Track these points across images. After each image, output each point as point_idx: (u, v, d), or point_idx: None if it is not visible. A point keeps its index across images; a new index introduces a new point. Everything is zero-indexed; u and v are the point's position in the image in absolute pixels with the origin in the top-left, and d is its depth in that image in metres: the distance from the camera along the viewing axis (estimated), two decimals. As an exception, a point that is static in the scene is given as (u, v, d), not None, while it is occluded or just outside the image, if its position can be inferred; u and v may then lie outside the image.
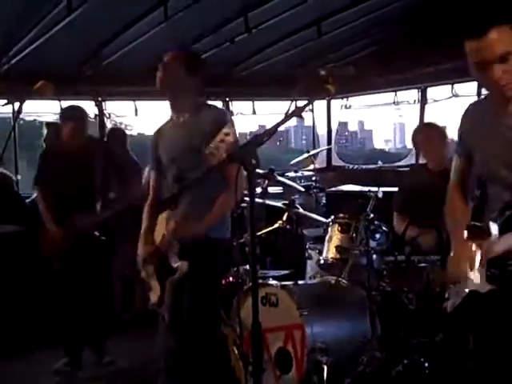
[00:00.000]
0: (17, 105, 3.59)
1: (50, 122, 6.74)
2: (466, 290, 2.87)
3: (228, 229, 3.87)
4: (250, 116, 8.56)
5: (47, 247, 5.02)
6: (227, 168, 3.20)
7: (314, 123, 9.22)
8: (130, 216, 4.70)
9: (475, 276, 2.81)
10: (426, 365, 4.25)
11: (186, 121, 3.78)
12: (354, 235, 4.57)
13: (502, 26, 2.60)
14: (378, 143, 23.89)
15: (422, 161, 7.57)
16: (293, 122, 9.14)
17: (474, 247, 2.82)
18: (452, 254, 3.01)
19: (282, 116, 2.51)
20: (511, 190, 2.82)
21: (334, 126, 9.23)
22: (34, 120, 9.28)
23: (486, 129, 2.87)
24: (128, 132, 7.47)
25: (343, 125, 25.38)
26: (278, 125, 2.47)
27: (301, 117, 2.45)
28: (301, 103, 2.56)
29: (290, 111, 2.52)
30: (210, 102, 4.13)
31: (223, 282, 4.96)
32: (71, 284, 5.05)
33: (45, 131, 6.41)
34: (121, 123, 8.11)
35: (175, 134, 3.84)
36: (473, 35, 2.62)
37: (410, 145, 8.37)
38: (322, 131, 9.27)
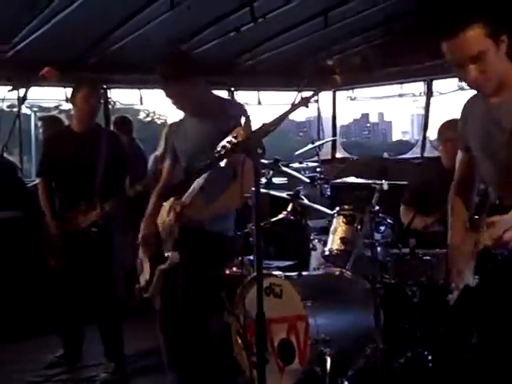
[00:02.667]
0: (22, 91, 3.57)
1: (44, 115, 6.76)
2: (461, 285, 2.86)
3: (231, 225, 3.88)
4: (255, 106, 8.53)
5: (44, 242, 5.01)
6: (235, 160, 3.19)
7: (319, 114, 9.19)
8: (129, 207, 4.69)
9: (468, 270, 2.80)
10: (429, 357, 4.27)
11: (203, 120, 3.76)
12: (359, 227, 4.54)
13: (473, 25, 2.54)
14: (397, 135, 23.90)
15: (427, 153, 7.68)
16: (314, 112, 9.06)
17: (470, 239, 2.80)
18: (450, 245, 3.02)
19: (288, 106, 2.48)
20: (493, 183, 2.84)
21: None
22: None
23: (477, 122, 2.87)
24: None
25: (365, 116, 25.45)
26: (285, 115, 2.45)
27: (306, 107, 2.42)
28: (307, 94, 2.53)
29: (296, 102, 2.48)
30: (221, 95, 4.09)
31: (227, 272, 4.98)
32: (70, 277, 5.03)
33: (39, 123, 6.42)
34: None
35: (191, 130, 3.84)
36: (446, 34, 2.59)
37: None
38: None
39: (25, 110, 7.45)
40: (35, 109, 7.85)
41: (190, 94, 3.73)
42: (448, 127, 4.72)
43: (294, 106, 2.46)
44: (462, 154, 3.08)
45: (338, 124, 9.23)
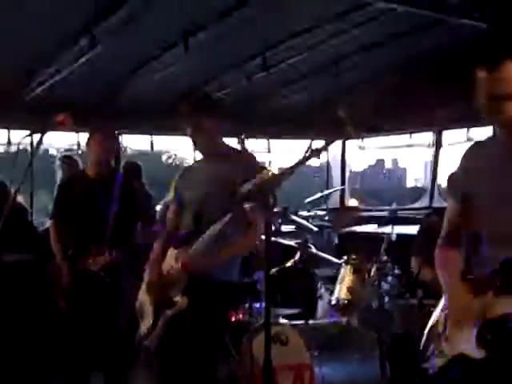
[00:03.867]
0: (37, 136, 3.61)
1: (66, 155, 6.80)
2: (454, 352, 2.62)
3: (236, 272, 3.84)
4: (265, 154, 8.59)
5: (54, 282, 5.01)
6: (247, 210, 3.23)
7: (328, 163, 9.23)
8: (139, 254, 4.70)
9: (466, 336, 2.56)
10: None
11: (214, 165, 3.80)
12: (367, 277, 4.56)
13: None
14: (411, 181, 23.84)
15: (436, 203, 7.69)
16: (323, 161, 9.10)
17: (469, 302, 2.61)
18: (453, 308, 2.74)
19: (298, 155, 2.52)
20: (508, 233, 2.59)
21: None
22: (46, 150, 9.34)
23: (488, 167, 2.70)
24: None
25: (380, 162, 25.39)
26: (297, 165, 2.49)
27: (318, 157, 2.46)
28: (318, 144, 2.57)
29: (307, 153, 2.52)
30: (236, 146, 4.15)
31: (233, 318, 4.97)
32: (78, 322, 5.01)
33: (58, 163, 6.46)
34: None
35: (201, 176, 3.87)
36: (485, 65, 2.51)
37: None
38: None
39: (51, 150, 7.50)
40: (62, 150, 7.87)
41: (210, 132, 3.80)
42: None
43: (306, 158, 2.49)
44: (457, 204, 2.87)
45: (353, 170, 9.24)
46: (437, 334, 2.77)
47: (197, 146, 3.89)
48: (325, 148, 2.56)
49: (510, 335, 2.46)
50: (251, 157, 3.94)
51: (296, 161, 2.49)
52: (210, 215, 3.54)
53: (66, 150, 7.44)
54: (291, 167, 2.48)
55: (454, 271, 2.78)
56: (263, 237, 4.91)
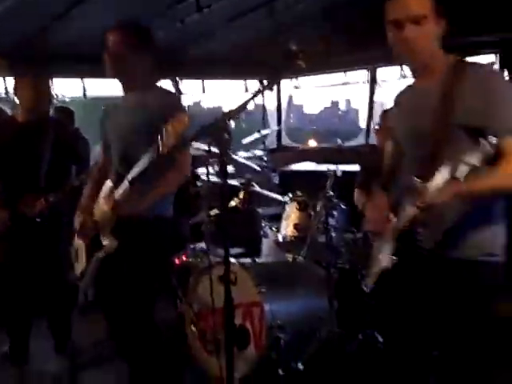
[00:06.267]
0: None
1: None
2: (377, 269, 2.81)
3: (167, 207, 3.74)
4: (200, 94, 8.50)
5: None
6: (178, 152, 3.21)
7: (264, 103, 9.20)
8: (76, 198, 4.62)
9: (385, 250, 2.74)
10: (380, 340, 4.34)
11: (135, 100, 3.68)
12: (313, 213, 4.59)
13: None
14: (362, 122, 24.07)
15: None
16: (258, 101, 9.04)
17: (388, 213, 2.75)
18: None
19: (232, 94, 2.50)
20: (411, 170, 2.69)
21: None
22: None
23: (404, 110, 2.89)
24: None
25: (335, 104, 25.37)
26: (248, 100, 2.47)
27: (271, 90, 2.45)
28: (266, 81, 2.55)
29: (259, 87, 2.51)
30: (161, 85, 4.00)
31: (177, 261, 4.97)
32: (17, 270, 4.93)
33: None
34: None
35: (123, 113, 3.75)
36: None
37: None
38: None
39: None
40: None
41: (139, 65, 3.65)
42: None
43: (258, 92, 2.48)
44: (392, 145, 3.09)
45: (308, 112, 9.28)
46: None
47: (126, 80, 3.74)
48: (276, 81, 2.55)
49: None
50: (174, 96, 3.87)
51: (246, 99, 2.48)
52: (134, 154, 3.42)
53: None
54: (241, 105, 2.45)
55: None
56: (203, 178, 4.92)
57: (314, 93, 8.80)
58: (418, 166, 2.62)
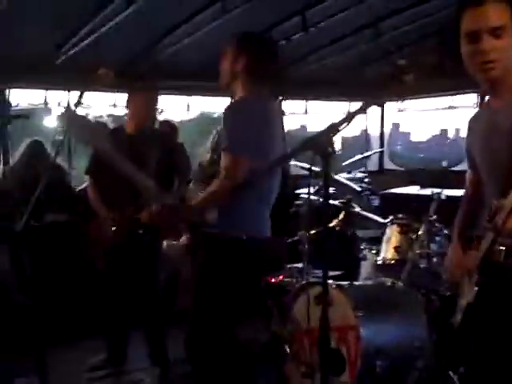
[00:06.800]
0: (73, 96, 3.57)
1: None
2: (463, 303, 2.66)
3: (241, 226, 3.61)
4: (302, 115, 8.50)
5: (94, 237, 4.98)
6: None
7: (367, 125, 9.12)
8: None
9: (469, 287, 2.61)
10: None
11: None
12: (414, 237, 4.46)
13: (499, 0, 2.47)
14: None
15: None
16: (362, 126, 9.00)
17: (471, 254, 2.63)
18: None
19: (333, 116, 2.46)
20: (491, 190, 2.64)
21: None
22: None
23: (478, 131, 2.75)
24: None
25: (443, 132, 25.08)
26: (353, 114, 2.40)
27: (365, 112, 2.39)
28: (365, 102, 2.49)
29: (362, 106, 2.46)
30: None
31: (273, 280, 4.91)
32: (115, 280, 5.02)
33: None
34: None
35: None
36: (470, 3, 2.50)
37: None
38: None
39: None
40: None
41: None
42: None
43: (363, 107, 2.43)
44: (471, 173, 3.01)
45: (415, 139, 9.18)
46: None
47: None
48: (380, 101, 2.50)
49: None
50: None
51: (350, 113, 2.42)
52: None
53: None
54: (346, 118, 2.39)
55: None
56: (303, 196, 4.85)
57: (421, 120, 8.60)
58: (496, 190, 2.50)
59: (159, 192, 3.63)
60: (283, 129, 3.70)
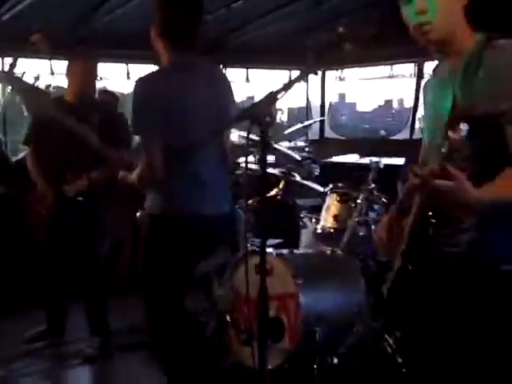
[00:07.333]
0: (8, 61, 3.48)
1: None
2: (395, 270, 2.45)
3: (163, 202, 3.52)
4: (243, 83, 8.45)
5: (33, 209, 4.90)
6: None
7: (307, 94, 9.10)
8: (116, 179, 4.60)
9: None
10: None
11: None
12: (353, 205, 4.51)
13: None
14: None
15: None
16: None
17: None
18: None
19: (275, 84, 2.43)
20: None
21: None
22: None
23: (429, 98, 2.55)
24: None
25: (388, 103, 25.14)
26: (292, 83, 2.38)
27: (316, 74, 2.38)
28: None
29: (301, 71, 2.44)
30: None
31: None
32: (56, 249, 4.95)
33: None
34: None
35: None
36: None
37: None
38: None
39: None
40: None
41: None
42: None
43: (302, 74, 2.41)
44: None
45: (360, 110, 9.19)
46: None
47: None
48: (321, 65, 2.48)
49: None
50: None
51: (289, 80, 2.40)
52: None
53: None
54: (284, 86, 2.37)
55: None
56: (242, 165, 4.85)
57: (366, 90, 8.64)
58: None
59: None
60: (223, 96, 3.55)
